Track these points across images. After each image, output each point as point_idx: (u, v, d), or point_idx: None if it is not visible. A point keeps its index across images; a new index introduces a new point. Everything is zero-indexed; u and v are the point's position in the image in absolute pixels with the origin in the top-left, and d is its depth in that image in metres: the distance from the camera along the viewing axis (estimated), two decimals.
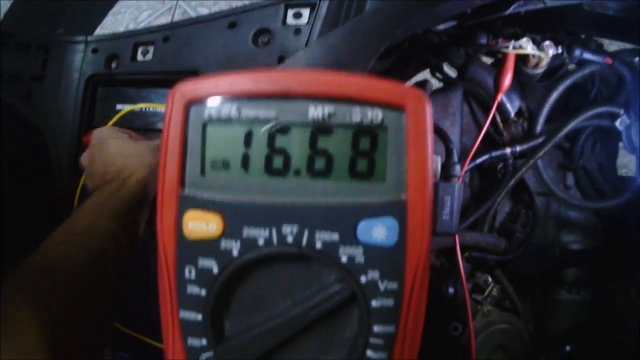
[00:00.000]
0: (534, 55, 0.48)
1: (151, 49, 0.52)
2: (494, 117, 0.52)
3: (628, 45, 0.55)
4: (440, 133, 0.47)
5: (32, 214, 0.53)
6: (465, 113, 0.53)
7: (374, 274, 0.20)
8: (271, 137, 0.21)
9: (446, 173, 0.45)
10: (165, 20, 0.92)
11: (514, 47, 0.47)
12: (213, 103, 0.21)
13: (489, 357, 0.49)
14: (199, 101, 0.21)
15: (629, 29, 0.51)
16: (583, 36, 0.53)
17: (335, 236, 0.20)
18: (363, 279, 0.20)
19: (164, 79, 0.53)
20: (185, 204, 0.21)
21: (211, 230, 0.21)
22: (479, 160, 0.50)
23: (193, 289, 0.21)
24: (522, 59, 0.49)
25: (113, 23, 0.91)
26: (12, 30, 0.57)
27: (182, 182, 0.21)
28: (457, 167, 0.45)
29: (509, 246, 0.52)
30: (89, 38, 0.55)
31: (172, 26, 0.53)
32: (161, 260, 0.22)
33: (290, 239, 0.20)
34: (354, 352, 0.21)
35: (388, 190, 0.20)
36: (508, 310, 0.53)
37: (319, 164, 0.20)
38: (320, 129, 0.20)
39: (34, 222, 0.53)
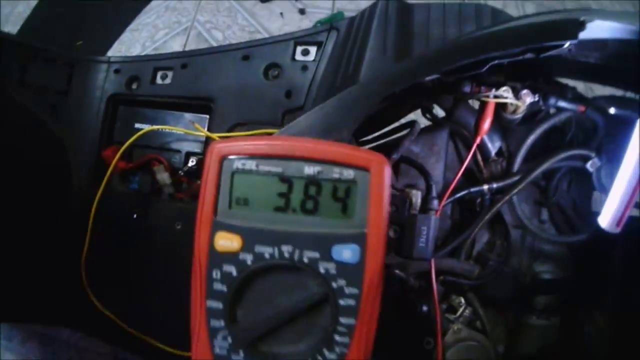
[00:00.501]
0: (512, 103, 0.63)
1: (170, 73, 0.67)
2: (475, 156, 0.68)
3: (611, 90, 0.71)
4: (421, 170, 0.62)
5: (47, 219, 0.67)
6: (450, 151, 0.68)
7: (342, 282, 0.35)
8: (278, 186, 0.36)
9: (425, 206, 0.60)
10: (180, 39, 1.07)
11: (494, 96, 0.63)
12: (239, 159, 0.36)
13: None
14: (230, 157, 0.36)
15: (610, 75, 0.67)
16: (567, 82, 0.69)
17: (317, 254, 0.35)
18: (334, 284, 0.35)
19: (181, 103, 0.68)
20: (217, 227, 0.36)
21: (234, 246, 0.35)
22: (458, 195, 0.65)
23: (217, 286, 0.36)
24: (501, 106, 0.65)
25: (130, 39, 1.06)
26: (35, 42, 0.71)
27: (215, 212, 0.36)
28: (435, 202, 0.60)
29: (482, 273, 0.66)
30: (112, 58, 0.70)
31: (191, 54, 0.69)
32: (195, 265, 0.36)
33: (286, 255, 0.35)
34: (326, 336, 0.36)
35: (355, 226, 0.35)
36: (478, 330, 0.67)
37: (309, 205, 0.35)
38: (311, 181, 0.35)
39: (49, 226, 0.67)
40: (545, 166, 0.65)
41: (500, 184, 0.66)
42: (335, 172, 0.35)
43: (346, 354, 0.36)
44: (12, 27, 0.96)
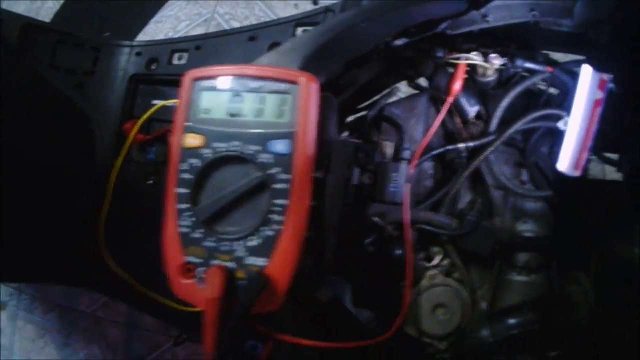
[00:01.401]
0: (481, 66, 0.72)
1: (185, 55, 0.82)
2: (453, 118, 0.76)
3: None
4: (394, 124, 0.72)
5: (73, 185, 0.80)
6: (432, 115, 0.77)
7: (276, 169, 0.46)
8: (232, 97, 0.48)
9: (396, 156, 0.70)
10: (201, 30, 1.25)
11: (464, 59, 0.72)
12: (206, 80, 0.49)
13: (431, 313, 0.71)
14: (199, 79, 0.49)
15: (581, 43, 0.74)
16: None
17: (258, 147, 0.46)
18: (270, 171, 0.46)
19: None
20: (187, 129, 0.49)
21: (198, 143, 0.48)
22: (435, 152, 0.74)
23: (185, 175, 0.48)
24: (473, 69, 0.74)
25: (154, 30, 1.25)
26: (64, 28, 0.87)
27: (187, 119, 0.49)
28: (407, 152, 0.70)
29: (459, 226, 0.74)
30: (134, 43, 0.85)
31: (203, 37, 0.83)
32: (170, 161, 0.49)
33: (235, 149, 0.47)
34: (264, 215, 0.47)
35: (287, 126, 0.46)
36: (456, 280, 0.74)
37: (253, 111, 0.47)
38: (255, 93, 0.47)
39: (75, 192, 0.80)
40: (517, 125, 0.73)
41: (477, 142, 0.74)
42: (273, 86, 0.47)
43: (281, 230, 0.47)
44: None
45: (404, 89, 0.80)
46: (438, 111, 0.77)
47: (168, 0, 1.26)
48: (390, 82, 0.80)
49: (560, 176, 0.73)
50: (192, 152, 0.49)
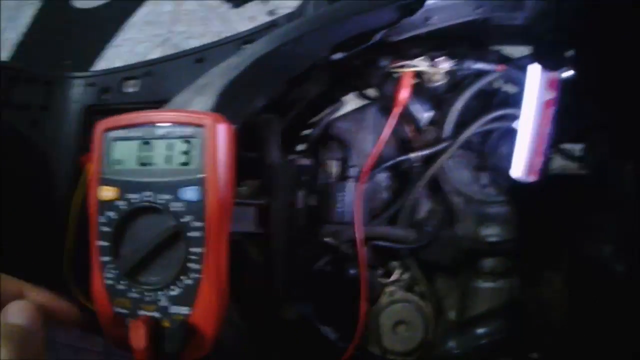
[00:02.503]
0: (427, 72, 0.70)
1: (137, 82, 0.82)
2: (404, 127, 0.75)
3: None
4: (339, 142, 0.70)
5: (33, 224, 0.80)
6: (383, 126, 0.75)
7: (189, 217, 0.45)
8: (141, 146, 0.47)
9: (343, 174, 0.68)
10: (160, 51, 1.25)
11: (408, 66, 0.70)
12: (115, 130, 0.48)
13: (392, 330, 0.70)
14: (109, 129, 0.49)
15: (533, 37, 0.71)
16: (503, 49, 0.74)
17: (169, 197, 0.46)
18: (183, 220, 0.46)
19: (148, 107, 0.82)
20: (101, 182, 0.48)
21: (112, 195, 0.48)
22: (385, 165, 0.73)
23: (104, 228, 0.48)
24: (420, 76, 0.72)
25: (113, 54, 1.26)
26: (22, 63, 0.88)
27: (100, 170, 0.49)
28: (352, 170, 0.69)
29: (418, 239, 0.72)
30: (87, 74, 0.85)
31: (152, 63, 0.83)
32: (90, 215, 0.49)
33: (147, 199, 0.46)
34: (182, 265, 0.46)
35: (195, 171, 0.46)
36: (418, 294, 0.73)
37: (162, 158, 0.47)
38: (163, 140, 0.47)
39: (35, 230, 0.80)
40: (471, 129, 0.71)
41: (430, 150, 0.72)
42: (179, 131, 0.46)
43: (200, 278, 0.46)
44: (3, 54, 1.18)
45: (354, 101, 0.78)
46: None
47: (125, 23, 1.26)
48: (339, 94, 0.78)
49: (521, 184, 0.71)
50: (107, 204, 0.48)
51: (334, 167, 0.68)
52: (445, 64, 0.69)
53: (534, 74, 0.60)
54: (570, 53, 0.67)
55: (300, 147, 0.75)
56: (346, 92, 0.78)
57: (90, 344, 1.04)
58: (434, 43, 0.72)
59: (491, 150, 0.74)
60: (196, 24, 1.28)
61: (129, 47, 1.29)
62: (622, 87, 0.69)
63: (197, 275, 0.46)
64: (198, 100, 0.54)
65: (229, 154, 0.47)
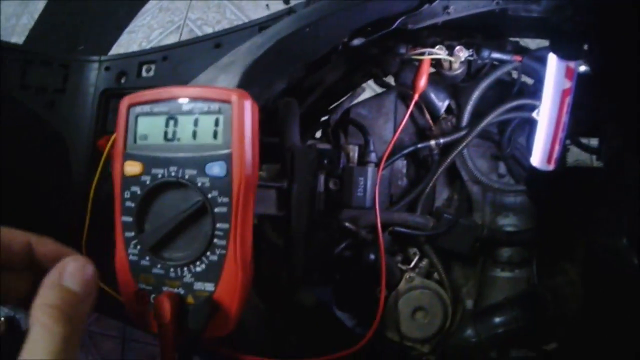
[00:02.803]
0: (446, 59, 0.70)
1: (153, 66, 0.82)
2: (423, 114, 0.75)
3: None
4: (359, 126, 0.70)
5: (50, 206, 0.81)
6: (401, 113, 0.75)
7: (215, 192, 0.45)
8: (167, 121, 0.47)
9: (362, 159, 0.68)
10: (174, 38, 1.25)
11: (428, 53, 0.70)
12: (140, 105, 0.48)
13: (410, 317, 0.70)
14: (134, 105, 0.49)
15: (549, 29, 0.71)
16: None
17: (195, 172, 0.46)
18: (209, 195, 0.46)
19: None
20: (126, 157, 0.48)
21: (137, 171, 0.48)
22: (405, 151, 0.73)
23: (128, 203, 0.48)
24: (439, 64, 0.71)
25: (127, 41, 1.26)
26: (36, 48, 0.87)
27: (125, 146, 0.49)
28: (372, 155, 0.68)
29: (437, 226, 0.72)
30: (102, 58, 0.85)
31: (170, 47, 0.83)
32: (114, 190, 0.49)
33: (173, 174, 0.46)
34: (207, 240, 0.46)
35: (222, 147, 0.46)
36: (436, 281, 0.73)
37: (188, 134, 0.47)
38: (189, 115, 0.47)
39: (53, 212, 0.81)
40: (490, 118, 0.71)
41: (448, 138, 0.72)
42: (205, 107, 0.46)
43: (225, 255, 0.46)
44: (17, 38, 1.18)
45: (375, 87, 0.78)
46: (407, 108, 0.75)
47: (140, 9, 1.26)
48: (358, 81, 0.78)
49: (535, 169, 0.70)
50: (132, 179, 0.48)
51: (354, 151, 0.68)
52: (463, 53, 0.69)
53: (551, 63, 0.60)
54: (586, 44, 0.67)
55: (319, 133, 0.75)
56: (364, 79, 0.78)
57: (106, 328, 1.04)
58: (453, 32, 0.72)
59: (508, 140, 0.74)
60: (211, 11, 1.28)
61: (144, 33, 1.30)
62: (637, 80, 0.69)
63: (222, 252, 0.46)
64: (223, 78, 0.54)
65: (254, 130, 0.47)
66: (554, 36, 0.69)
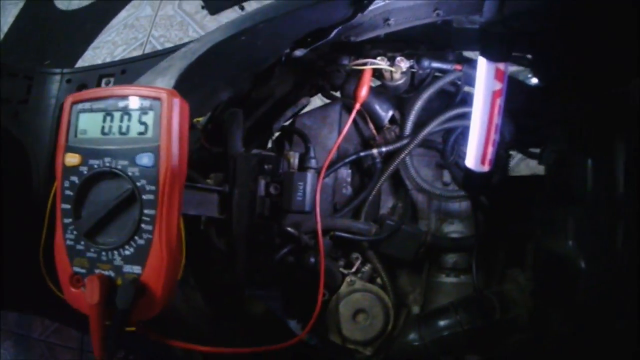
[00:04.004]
0: (387, 70, 0.79)
1: (112, 79, 0.91)
2: (368, 124, 0.83)
3: None
4: (300, 135, 0.79)
5: (11, 213, 0.88)
6: (346, 123, 0.84)
7: (143, 181, 0.53)
8: (104, 117, 0.56)
9: (302, 165, 0.76)
10: (137, 54, 1.35)
11: (370, 64, 0.79)
12: (82, 103, 0.57)
13: (351, 319, 0.76)
14: (76, 102, 0.57)
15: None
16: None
17: (126, 162, 0.54)
18: (139, 183, 0.53)
19: None
20: (67, 150, 0.57)
21: (76, 162, 0.56)
22: (347, 160, 0.80)
23: (67, 192, 0.56)
24: (381, 74, 0.80)
25: (92, 56, 1.37)
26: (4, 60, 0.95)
27: (67, 139, 0.57)
28: (312, 161, 0.76)
29: (379, 232, 0.79)
30: (64, 70, 0.94)
31: (128, 61, 0.92)
32: (57, 179, 0.57)
33: (107, 164, 0.55)
34: (135, 225, 0.54)
35: (151, 140, 0.54)
36: (379, 286, 0.79)
37: (122, 128, 0.55)
38: (123, 112, 0.55)
39: (12, 220, 0.88)
40: (431, 127, 0.79)
41: (390, 147, 0.80)
42: (138, 104, 0.55)
43: (151, 239, 0.54)
44: None
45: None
46: (354, 120, 0.84)
47: (105, 26, 1.38)
48: (306, 94, 0.87)
49: (474, 174, 0.78)
50: (71, 170, 0.56)
51: (295, 158, 0.75)
52: (404, 63, 0.77)
53: (481, 65, 0.67)
54: (527, 52, 0.75)
55: (267, 143, 0.83)
56: (312, 92, 0.87)
57: (65, 340, 1.10)
58: (396, 44, 0.81)
59: (452, 148, 0.81)
60: (174, 29, 1.40)
61: (108, 49, 1.41)
62: (578, 83, 0.77)
63: (149, 236, 0.54)
64: (160, 81, 0.62)
65: (182, 126, 0.56)
66: (482, 39, 0.77)
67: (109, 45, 1.44)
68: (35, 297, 0.90)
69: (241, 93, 0.78)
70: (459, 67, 0.79)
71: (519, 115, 0.81)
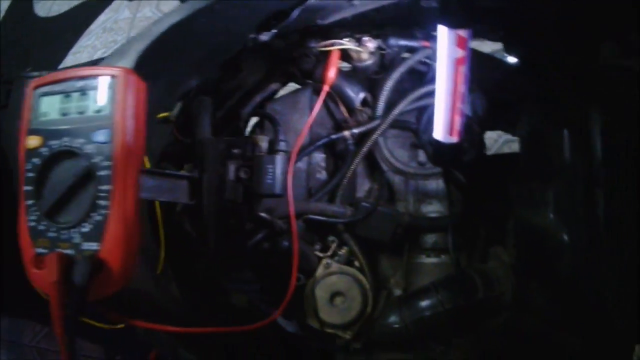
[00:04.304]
0: (354, 50, 0.80)
1: None
2: (340, 107, 0.84)
3: None
4: (269, 118, 0.80)
5: None
6: (320, 107, 0.85)
7: (99, 157, 0.55)
8: (64, 98, 0.58)
9: (272, 148, 0.77)
10: None
11: (335, 45, 0.80)
12: (43, 87, 0.59)
13: (329, 302, 0.76)
14: (38, 87, 0.60)
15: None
16: None
17: (84, 140, 0.56)
18: (95, 160, 0.55)
19: None
20: (29, 132, 0.59)
21: (37, 143, 0.58)
22: (319, 142, 0.81)
23: (29, 174, 0.58)
24: (349, 56, 0.81)
25: (73, 61, 1.40)
26: None
27: (29, 123, 0.59)
28: (282, 144, 0.77)
29: (354, 214, 0.80)
30: (42, 74, 0.97)
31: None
32: (19, 162, 0.59)
33: (66, 144, 0.56)
34: (91, 202, 0.55)
35: (107, 117, 0.56)
36: (357, 269, 0.79)
37: (80, 107, 0.57)
38: (80, 92, 0.57)
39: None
40: (401, 106, 0.80)
41: (362, 128, 0.81)
42: (94, 84, 0.57)
43: (108, 215, 0.55)
44: None
45: None
46: (326, 104, 0.85)
47: (85, 30, 1.42)
48: (277, 81, 0.88)
49: (443, 146, 0.77)
50: (33, 152, 0.58)
51: (264, 141, 0.76)
52: (371, 43, 0.79)
53: (442, 33, 0.67)
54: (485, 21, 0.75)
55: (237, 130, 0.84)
56: (283, 80, 0.88)
57: (56, 345, 1.12)
58: (362, 26, 0.82)
59: (425, 127, 0.82)
60: None
61: (88, 53, 1.46)
62: (550, 56, 0.77)
63: (106, 212, 0.55)
64: (119, 62, 0.64)
65: (138, 102, 0.58)
66: (440, 5, 0.78)
67: (88, 50, 1.49)
68: (25, 301, 0.92)
69: (210, 81, 0.80)
70: (426, 43, 0.80)
71: (493, 90, 0.81)
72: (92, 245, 0.56)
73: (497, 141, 1.43)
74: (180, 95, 0.76)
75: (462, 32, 0.68)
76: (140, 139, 0.58)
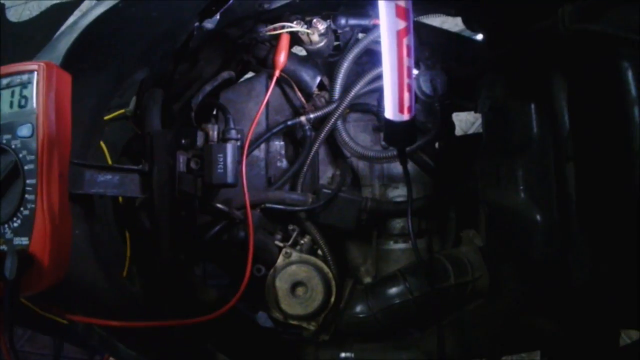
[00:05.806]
0: (303, 33, 0.81)
1: None
2: (296, 93, 0.86)
3: None
4: (218, 106, 0.83)
5: None
6: (276, 94, 0.87)
7: (24, 152, 0.59)
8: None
9: (222, 137, 0.80)
10: None
11: (284, 28, 0.82)
12: None
13: (290, 293, 0.77)
14: None
15: None
16: None
17: (10, 136, 0.60)
18: (21, 155, 0.59)
19: None
20: None
21: None
22: (275, 129, 0.83)
23: None
24: (300, 40, 0.83)
25: None
26: None
27: None
28: (232, 132, 0.80)
29: (315, 201, 0.81)
30: None
31: None
32: None
33: None
34: (22, 196, 0.59)
35: (30, 112, 0.59)
36: (321, 258, 0.80)
37: (7, 104, 0.61)
38: (8, 88, 0.61)
39: None
40: (357, 87, 0.82)
41: (318, 113, 0.83)
42: (18, 80, 0.61)
43: (35, 208, 0.59)
44: None
45: None
46: (283, 90, 0.87)
47: (55, 33, 1.47)
48: (229, 70, 0.90)
49: (395, 124, 0.77)
50: None
51: (214, 130, 0.79)
52: (320, 24, 0.80)
53: (381, 4, 0.66)
54: None
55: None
56: (240, 68, 0.91)
57: (39, 348, 1.17)
58: (312, 8, 0.83)
59: (384, 108, 0.83)
60: None
61: None
62: (510, 23, 0.77)
63: (33, 206, 0.59)
64: (48, 58, 0.68)
65: (60, 95, 0.61)
66: None
67: None
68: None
69: (162, 73, 0.83)
70: (377, 21, 0.81)
71: (453, 66, 0.82)
72: (23, 240, 0.59)
73: (474, 124, 1.42)
74: (132, 89, 0.80)
75: (402, 2, 0.68)
76: (65, 131, 0.61)
